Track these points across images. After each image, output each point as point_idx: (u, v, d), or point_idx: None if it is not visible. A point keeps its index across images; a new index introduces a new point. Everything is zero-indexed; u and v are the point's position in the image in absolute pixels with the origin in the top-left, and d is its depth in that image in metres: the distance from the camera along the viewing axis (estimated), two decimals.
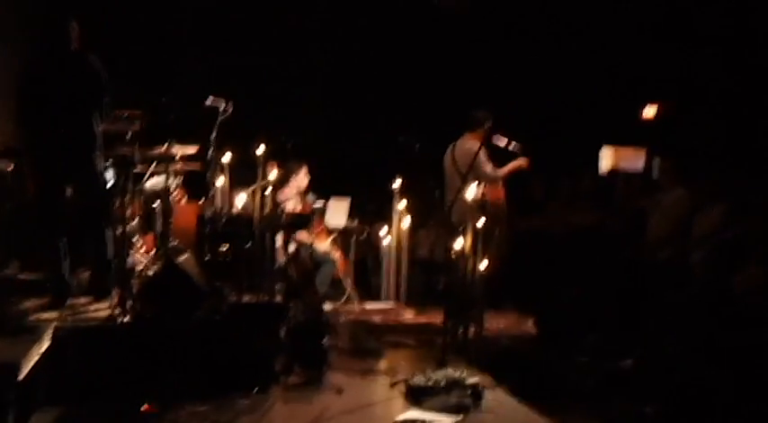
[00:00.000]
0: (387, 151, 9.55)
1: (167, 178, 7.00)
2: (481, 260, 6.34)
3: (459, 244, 6.24)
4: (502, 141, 7.69)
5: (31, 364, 4.66)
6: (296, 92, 9.81)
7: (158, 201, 7.11)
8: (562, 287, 6.66)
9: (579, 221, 7.56)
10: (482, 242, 6.32)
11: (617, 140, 9.76)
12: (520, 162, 7.63)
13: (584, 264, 6.69)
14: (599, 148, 9.59)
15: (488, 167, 7.56)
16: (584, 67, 9.83)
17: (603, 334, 6.04)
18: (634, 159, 9.48)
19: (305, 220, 7.06)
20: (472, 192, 6.39)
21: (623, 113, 9.70)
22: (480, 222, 6.33)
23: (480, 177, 7.30)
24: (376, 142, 9.95)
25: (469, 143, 7.65)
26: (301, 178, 8.28)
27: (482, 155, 7.43)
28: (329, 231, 8.38)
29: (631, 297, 6.10)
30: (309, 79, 9.96)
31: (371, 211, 8.99)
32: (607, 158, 9.71)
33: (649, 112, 9.68)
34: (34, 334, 5.00)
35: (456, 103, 8.49)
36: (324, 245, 8.17)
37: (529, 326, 7.19)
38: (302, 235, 7.60)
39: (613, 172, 8.56)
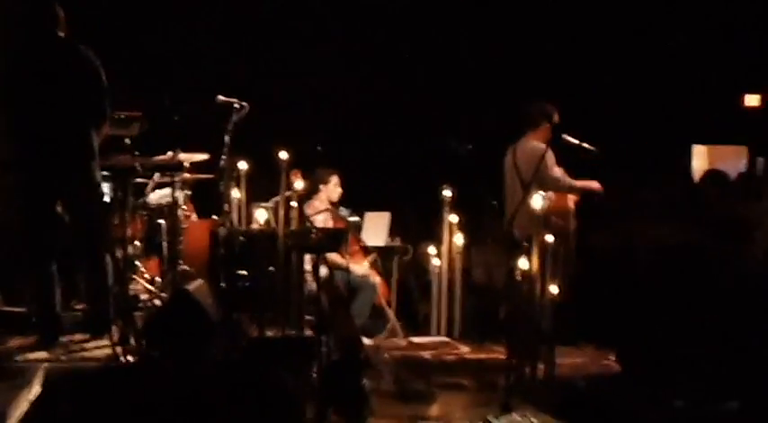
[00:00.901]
0: (433, 156, 9.73)
1: (174, 191, 7.14)
2: (551, 283, 6.34)
3: (523, 264, 6.21)
4: (572, 140, 7.56)
5: (19, 412, 4.70)
6: (325, 88, 9.90)
7: (164, 218, 7.23)
8: (649, 315, 6.57)
9: (667, 236, 7.29)
10: (552, 261, 6.33)
11: (712, 137, 9.74)
12: (594, 185, 7.69)
13: (675, 286, 6.61)
14: (690, 146, 9.51)
15: (556, 172, 7.54)
16: (670, 50, 9.86)
17: (703, 370, 5.95)
18: (733, 159, 9.46)
19: (338, 238, 7.05)
20: (539, 201, 6.36)
21: (719, 105, 9.60)
22: (549, 237, 6.32)
23: (545, 184, 7.30)
24: (420, 146, 10.02)
25: (533, 143, 7.66)
26: (332, 189, 8.31)
27: (548, 157, 7.38)
28: (367, 251, 8.39)
29: (736, 325, 6.03)
30: (340, 74, 10.06)
31: (416, 226, 8.97)
32: (700, 159, 9.68)
33: (751, 102, 9.58)
34: (22, 377, 5.05)
35: (513, 97, 8.54)
36: (361, 267, 8.19)
37: (610, 363, 7.12)
38: (335, 256, 7.58)
39: (708, 175, 8.49)
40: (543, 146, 7.40)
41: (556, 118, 7.64)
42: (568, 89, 8.59)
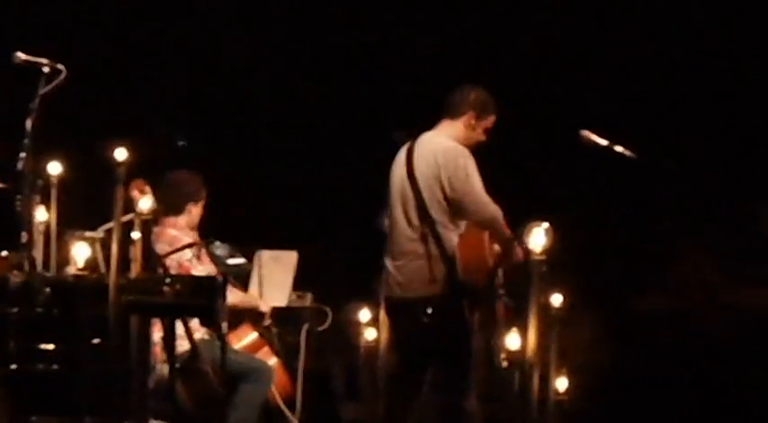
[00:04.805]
0: (367, 159, 9.61)
1: None
2: (556, 373, 6.43)
3: (513, 341, 6.46)
4: (598, 139, 7.38)
5: None
6: (198, 48, 10.27)
7: None
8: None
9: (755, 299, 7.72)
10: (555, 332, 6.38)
11: None
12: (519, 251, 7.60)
13: None
14: None
15: (476, 189, 7.54)
16: None
17: None
18: None
19: (211, 292, 6.53)
20: (540, 236, 6.05)
21: None
22: (557, 298, 6.44)
23: (463, 207, 7.45)
24: (345, 141, 10.30)
25: (443, 141, 7.67)
26: (197, 212, 8.37)
27: (469, 164, 7.44)
28: (256, 314, 8.30)
29: None
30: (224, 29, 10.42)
31: (340, 275, 9.24)
32: None
33: None
34: None
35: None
36: (246, 340, 8.24)
37: None
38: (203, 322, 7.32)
39: None
40: (462, 148, 7.54)
41: (490, 115, 7.63)
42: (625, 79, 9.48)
